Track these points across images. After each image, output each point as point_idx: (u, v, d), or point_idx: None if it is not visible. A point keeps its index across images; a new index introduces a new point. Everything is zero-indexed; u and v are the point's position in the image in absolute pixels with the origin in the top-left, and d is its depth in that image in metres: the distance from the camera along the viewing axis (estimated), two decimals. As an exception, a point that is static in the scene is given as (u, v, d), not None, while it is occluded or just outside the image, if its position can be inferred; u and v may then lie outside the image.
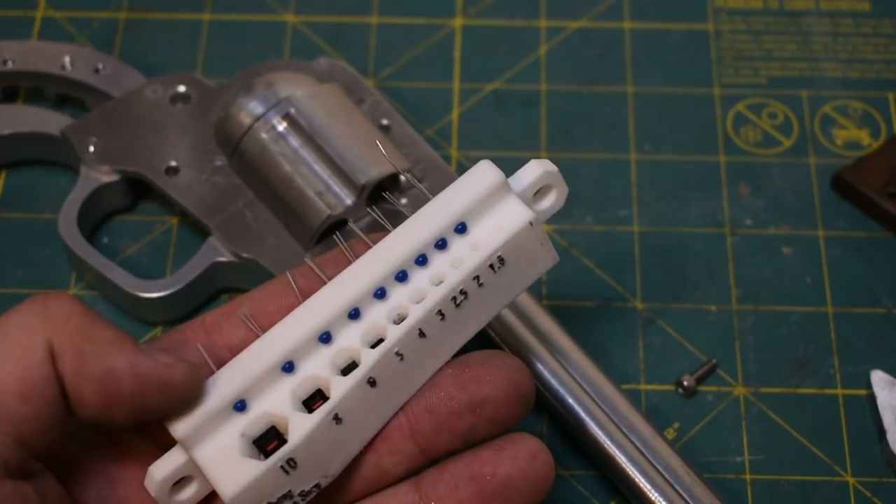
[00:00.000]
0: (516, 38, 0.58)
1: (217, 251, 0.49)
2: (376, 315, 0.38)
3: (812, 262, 0.52)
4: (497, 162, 0.54)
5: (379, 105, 0.52)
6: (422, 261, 0.39)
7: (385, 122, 0.52)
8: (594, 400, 0.46)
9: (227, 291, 0.51)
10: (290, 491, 0.37)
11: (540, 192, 0.40)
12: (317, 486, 0.38)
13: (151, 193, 0.53)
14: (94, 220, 0.52)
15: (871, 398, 0.48)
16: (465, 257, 0.39)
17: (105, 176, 0.51)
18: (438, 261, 0.39)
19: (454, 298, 0.38)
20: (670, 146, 0.55)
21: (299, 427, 0.37)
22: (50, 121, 0.52)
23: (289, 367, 0.38)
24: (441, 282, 0.38)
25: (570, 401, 0.46)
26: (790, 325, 0.50)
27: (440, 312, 0.38)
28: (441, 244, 0.39)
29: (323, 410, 0.37)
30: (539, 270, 0.40)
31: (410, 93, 0.56)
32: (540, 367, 0.46)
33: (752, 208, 0.53)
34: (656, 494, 0.44)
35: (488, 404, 0.38)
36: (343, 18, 0.59)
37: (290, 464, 0.37)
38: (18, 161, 0.54)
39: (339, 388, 0.38)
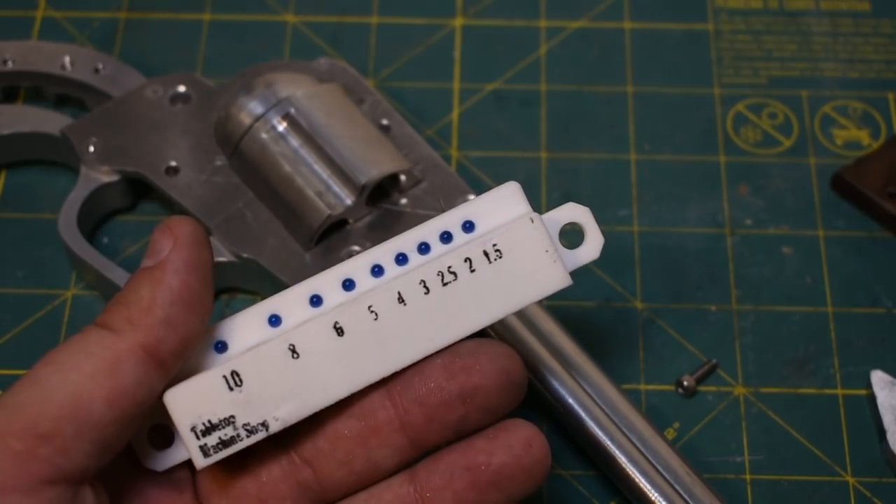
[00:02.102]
0: (516, 38, 0.58)
1: (217, 251, 0.49)
2: (369, 287, 0.38)
3: (812, 262, 0.52)
4: (497, 162, 0.54)
5: (379, 105, 0.52)
6: (424, 248, 0.39)
7: (385, 122, 0.52)
8: (594, 400, 0.46)
9: (227, 291, 0.51)
10: (233, 416, 0.37)
11: (578, 240, 0.40)
12: (264, 425, 0.37)
13: (151, 193, 0.53)
14: (94, 220, 0.52)
15: (871, 398, 0.48)
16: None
17: (105, 176, 0.51)
18: (440, 250, 0.39)
19: (440, 274, 0.38)
20: (670, 146, 0.55)
21: (244, 342, 0.38)
22: (50, 121, 0.52)
23: (275, 321, 0.38)
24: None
25: (570, 401, 0.46)
26: (790, 325, 0.50)
27: (424, 284, 0.38)
28: (446, 237, 0.39)
29: (272, 334, 0.38)
30: (545, 287, 0.39)
31: (410, 93, 0.56)
32: (540, 367, 0.46)
33: (751, 208, 0.53)
34: (656, 494, 0.44)
35: (479, 394, 0.38)
36: (343, 18, 0.59)
37: (235, 378, 0.37)
38: (18, 161, 0.54)
39: (301, 320, 0.38)
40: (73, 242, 0.49)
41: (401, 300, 0.38)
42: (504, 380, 0.38)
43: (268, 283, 0.48)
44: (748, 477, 0.47)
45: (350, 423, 0.39)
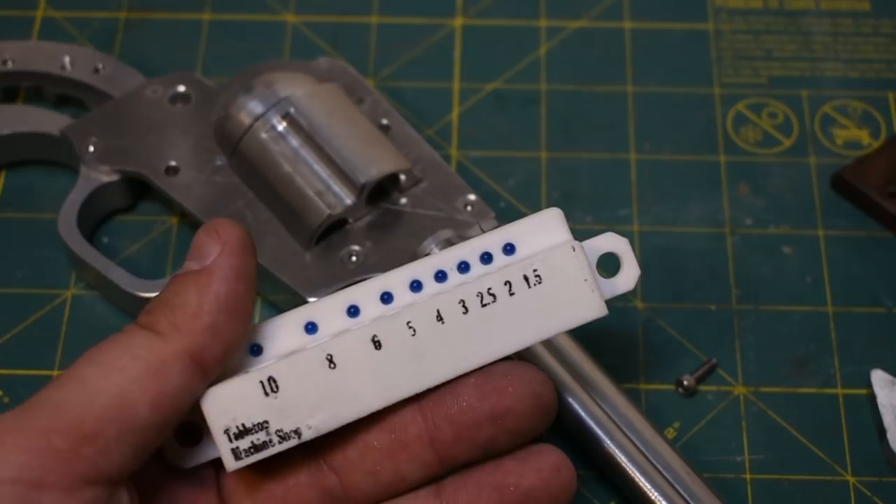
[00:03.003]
0: (516, 38, 0.58)
1: (217, 251, 0.49)
2: (407, 302, 0.38)
3: (812, 262, 0.52)
4: (497, 162, 0.55)
5: (379, 105, 0.52)
6: (464, 267, 0.39)
7: (385, 121, 0.52)
8: (594, 399, 0.46)
9: (227, 291, 0.51)
10: (266, 422, 0.37)
11: (613, 268, 0.40)
12: (297, 432, 0.37)
13: (151, 193, 0.53)
14: (94, 220, 0.52)
15: (872, 397, 0.48)
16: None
17: (105, 176, 0.51)
18: (479, 270, 0.39)
19: (479, 295, 0.38)
20: (670, 146, 0.55)
21: (280, 347, 0.38)
22: (50, 121, 0.52)
23: (311, 328, 0.38)
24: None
25: (570, 400, 0.46)
26: (790, 324, 0.50)
27: (463, 303, 0.38)
28: (486, 258, 0.39)
29: (316, 343, 0.38)
30: (582, 315, 0.39)
31: (410, 93, 0.56)
32: (539, 366, 0.46)
33: (752, 208, 0.53)
34: (656, 494, 0.44)
35: (510, 416, 0.38)
36: (343, 18, 0.59)
37: (272, 384, 0.37)
38: (18, 161, 0.54)
39: (338, 329, 0.38)
40: (73, 242, 0.49)
41: (439, 318, 0.38)
42: (535, 404, 0.38)
43: (268, 283, 0.48)
44: (748, 476, 0.47)
45: (380, 436, 0.39)
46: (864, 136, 0.55)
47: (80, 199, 0.50)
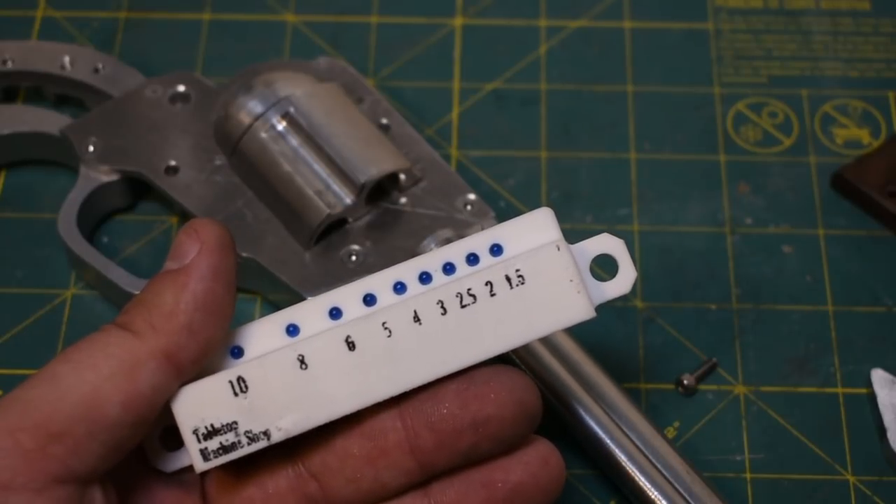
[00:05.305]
0: (516, 38, 0.58)
1: (217, 251, 0.49)
2: (389, 304, 0.38)
3: (812, 261, 0.52)
4: (497, 161, 0.55)
5: (379, 104, 0.52)
6: (449, 269, 0.38)
7: (385, 121, 0.52)
8: (594, 399, 0.46)
9: (226, 291, 0.51)
10: (236, 422, 0.37)
11: (614, 271, 0.38)
12: (266, 434, 0.37)
13: (151, 193, 0.53)
14: (93, 220, 0.52)
15: (872, 397, 0.48)
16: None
17: (105, 176, 0.51)
18: (465, 272, 0.38)
19: (459, 295, 0.37)
20: (670, 145, 0.55)
21: (260, 349, 0.37)
22: (50, 121, 0.52)
23: (293, 331, 0.38)
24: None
25: (570, 399, 0.46)
26: (790, 323, 0.50)
27: (441, 304, 0.37)
28: (472, 259, 0.38)
29: (288, 343, 0.37)
30: (567, 317, 0.37)
31: (410, 92, 0.56)
32: (539, 365, 0.46)
33: (752, 207, 0.53)
34: (656, 493, 0.44)
35: (492, 423, 0.37)
36: (343, 18, 0.59)
37: (241, 384, 0.37)
38: (18, 161, 0.54)
39: (312, 329, 0.37)
40: (73, 242, 0.49)
41: (416, 319, 0.37)
42: (518, 410, 0.37)
43: (267, 283, 0.48)
44: (748, 476, 0.47)
45: (360, 442, 0.38)
46: (864, 135, 0.55)
47: (80, 199, 0.50)
